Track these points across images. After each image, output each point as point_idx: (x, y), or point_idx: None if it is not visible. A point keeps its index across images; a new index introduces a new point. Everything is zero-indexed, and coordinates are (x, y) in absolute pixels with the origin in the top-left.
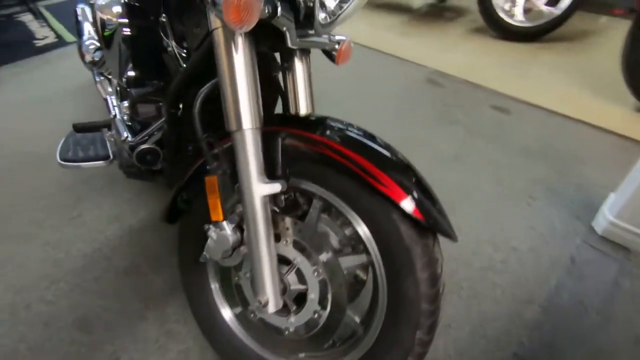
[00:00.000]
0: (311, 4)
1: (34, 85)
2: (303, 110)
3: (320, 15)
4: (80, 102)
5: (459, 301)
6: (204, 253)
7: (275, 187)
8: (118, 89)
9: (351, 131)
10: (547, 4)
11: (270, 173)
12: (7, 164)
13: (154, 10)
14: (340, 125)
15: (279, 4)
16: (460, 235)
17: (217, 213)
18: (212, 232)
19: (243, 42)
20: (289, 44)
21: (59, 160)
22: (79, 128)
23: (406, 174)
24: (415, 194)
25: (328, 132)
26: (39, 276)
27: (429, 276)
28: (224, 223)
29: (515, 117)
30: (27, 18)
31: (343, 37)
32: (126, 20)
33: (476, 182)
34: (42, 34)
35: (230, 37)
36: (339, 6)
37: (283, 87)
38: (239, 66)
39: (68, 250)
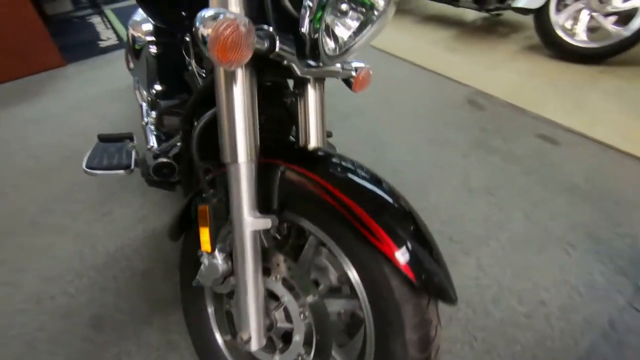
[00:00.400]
0: (316, 36)
1: (93, 83)
2: (313, 142)
3: (329, 46)
4: (130, 104)
5: (470, 352)
6: (197, 277)
7: (266, 223)
8: (149, 98)
9: (355, 173)
10: (615, 24)
11: (263, 206)
12: (55, 159)
13: (179, 31)
14: (345, 165)
15: (277, 38)
16: (480, 277)
17: (205, 244)
18: (205, 259)
19: (242, 75)
20: (298, 74)
21: (84, 167)
22: (103, 138)
23: (404, 226)
24: (410, 249)
25: (330, 172)
26: (66, 268)
27: (420, 339)
28: (216, 252)
29: (563, 149)
30: (96, 20)
31: (361, 65)
32: (153, 39)
33: (507, 219)
34: (106, 35)
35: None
36: (352, 37)
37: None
38: (237, 99)
39: (94, 245)
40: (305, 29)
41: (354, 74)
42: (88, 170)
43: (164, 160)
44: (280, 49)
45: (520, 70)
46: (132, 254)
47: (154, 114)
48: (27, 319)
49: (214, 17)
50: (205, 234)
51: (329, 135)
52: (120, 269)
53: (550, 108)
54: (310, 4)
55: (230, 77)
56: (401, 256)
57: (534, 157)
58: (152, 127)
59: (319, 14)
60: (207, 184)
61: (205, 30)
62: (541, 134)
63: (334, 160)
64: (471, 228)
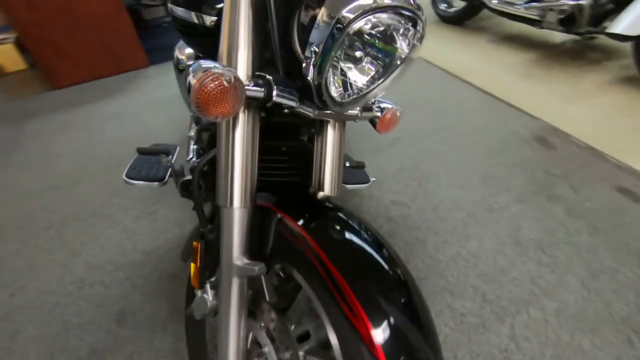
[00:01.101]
0: (319, 83)
1: (168, 86)
2: (326, 188)
3: (338, 92)
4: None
5: None
6: (191, 307)
7: (253, 271)
8: (191, 113)
9: (354, 235)
10: None
11: (255, 252)
12: (124, 154)
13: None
14: (345, 225)
15: (274, 87)
16: (511, 351)
17: (194, 278)
18: (197, 292)
19: (244, 119)
20: (309, 117)
21: (123, 176)
22: (141, 151)
23: (391, 300)
24: (391, 327)
25: (324, 232)
26: (108, 260)
27: None
28: (207, 287)
29: None
30: None
31: (388, 105)
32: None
33: (558, 285)
34: None
35: None
36: (368, 84)
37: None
38: (237, 143)
39: (136, 242)
40: (310, 75)
41: (378, 114)
42: (127, 179)
43: (189, 178)
44: (280, 96)
45: (608, 106)
46: (164, 256)
47: (195, 128)
48: (69, 301)
49: (204, 69)
50: (194, 269)
51: (362, 166)
52: (151, 269)
53: (638, 156)
54: (316, 49)
55: (231, 120)
56: (378, 336)
57: (606, 213)
58: (193, 141)
59: (323, 61)
60: (205, 219)
61: (192, 80)
62: (620, 187)
63: (337, 217)
64: (512, 289)
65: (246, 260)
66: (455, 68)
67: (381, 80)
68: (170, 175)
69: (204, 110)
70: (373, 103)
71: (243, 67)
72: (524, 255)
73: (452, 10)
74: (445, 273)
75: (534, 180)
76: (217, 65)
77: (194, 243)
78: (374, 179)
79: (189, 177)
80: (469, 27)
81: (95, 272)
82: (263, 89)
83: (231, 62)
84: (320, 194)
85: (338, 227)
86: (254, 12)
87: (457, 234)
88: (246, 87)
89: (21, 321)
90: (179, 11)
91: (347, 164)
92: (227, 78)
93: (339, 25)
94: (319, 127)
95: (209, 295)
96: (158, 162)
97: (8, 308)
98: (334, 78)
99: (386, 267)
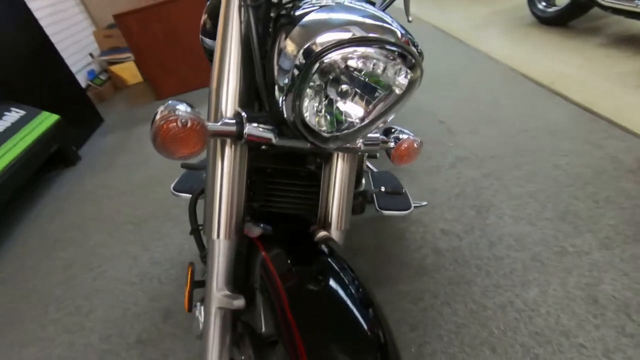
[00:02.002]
0: (293, 119)
1: None
2: (333, 224)
3: (321, 128)
4: None
5: None
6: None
7: (234, 304)
8: None
9: (334, 290)
10: None
11: (239, 283)
12: (195, 160)
13: None
14: (333, 275)
15: (245, 126)
16: None
17: (185, 301)
18: (195, 312)
19: (231, 153)
20: (304, 149)
21: (171, 189)
22: (185, 166)
23: None
24: None
25: (300, 281)
26: (168, 257)
27: None
28: (197, 309)
29: None
30: None
31: (405, 136)
32: None
33: None
34: None
35: (217, 145)
36: (361, 118)
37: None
38: (225, 176)
39: (192, 243)
40: (283, 110)
41: (392, 145)
42: (174, 192)
43: None
44: (254, 133)
45: None
46: None
47: None
48: (131, 290)
49: (162, 113)
50: (185, 292)
51: (398, 192)
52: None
53: None
54: (286, 82)
55: (219, 153)
56: None
57: None
58: None
59: (294, 95)
60: (201, 244)
61: (156, 118)
62: None
63: (324, 264)
64: (575, 358)
65: (227, 292)
66: (548, 77)
67: (374, 114)
68: None
69: (163, 151)
70: (392, 132)
71: (230, 102)
72: (600, 318)
73: (552, 9)
74: (489, 323)
75: (632, 221)
76: (179, 107)
77: (188, 266)
78: (424, 202)
79: None
80: (574, 28)
81: (155, 267)
82: (235, 127)
83: (219, 97)
84: (319, 235)
85: (319, 278)
86: (244, 46)
87: (513, 278)
88: (211, 126)
89: (96, 302)
90: (207, 41)
91: (383, 189)
92: (182, 120)
93: (300, 61)
94: (327, 157)
95: (200, 318)
96: (200, 176)
97: (90, 289)
98: (318, 112)
99: (363, 329)
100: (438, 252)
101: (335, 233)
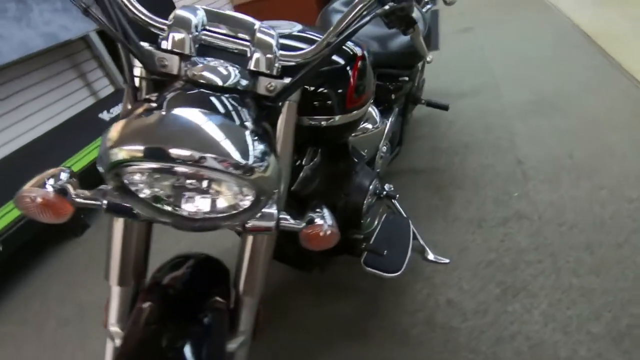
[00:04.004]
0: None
1: None
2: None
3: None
4: None
5: None
6: None
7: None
8: None
9: None
10: None
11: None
12: None
13: None
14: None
15: (104, 201)
16: None
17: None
18: None
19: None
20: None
21: None
22: None
23: None
24: None
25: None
26: None
27: None
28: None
29: None
30: None
31: (320, 221)
32: None
33: None
34: None
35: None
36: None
37: None
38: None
39: None
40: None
41: (299, 227)
42: None
43: None
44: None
45: None
46: None
47: None
48: None
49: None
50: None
51: (380, 253)
52: None
53: None
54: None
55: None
56: None
57: None
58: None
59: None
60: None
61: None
62: None
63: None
64: None
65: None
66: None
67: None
68: None
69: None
70: (316, 210)
71: None
72: None
73: None
74: None
75: None
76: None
77: None
78: (446, 260)
79: None
80: None
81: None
82: (98, 200)
83: None
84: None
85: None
86: None
87: None
88: (71, 199)
89: None
90: None
91: (364, 246)
92: (32, 197)
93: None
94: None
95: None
96: None
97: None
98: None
99: None
100: (431, 326)
101: (245, 299)
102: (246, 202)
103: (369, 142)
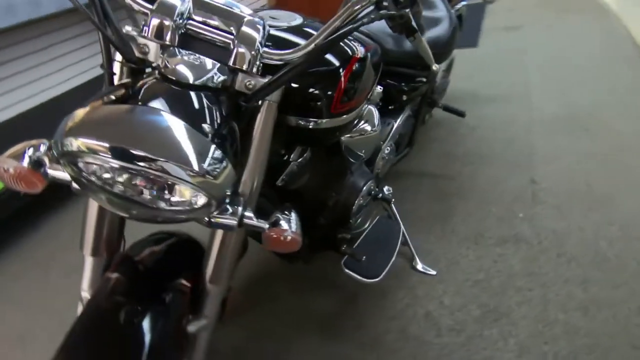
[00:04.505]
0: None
1: None
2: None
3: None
4: None
5: None
6: None
7: None
8: None
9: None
10: None
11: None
12: None
13: None
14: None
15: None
16: None
17: None
18: None
19: None
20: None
21: None
22: None
23: None
24: None
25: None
26: None
27: None
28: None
29: None
30: None
31: (285, 225)
32: None
33: None
34: None
35: None
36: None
37: None
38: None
39: None
40: None
41: (263, 227)
42: None
43: None
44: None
45: None
46: None
47: None
48: None
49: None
50: None
51: (357, 259)
52: None
53: None
54: None
55: None
56: None
57: None
58: None
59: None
60: None
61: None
62: None
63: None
64: None
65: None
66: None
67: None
68: None
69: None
70: (284, 213)
71: None
72: None
73: None
74: None
75: None
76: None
77: None
78: (433, 272)
79: None
80: None
81: None
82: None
83: None
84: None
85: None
86: None
87: None
88: (44, 173)
89: None
90: None
91: (344, 247)
92: (5, 167)
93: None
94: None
95: None
96: None
97: None
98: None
99: None
100: (405, 335)
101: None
102: (200, 201)
103: (366, 144)
